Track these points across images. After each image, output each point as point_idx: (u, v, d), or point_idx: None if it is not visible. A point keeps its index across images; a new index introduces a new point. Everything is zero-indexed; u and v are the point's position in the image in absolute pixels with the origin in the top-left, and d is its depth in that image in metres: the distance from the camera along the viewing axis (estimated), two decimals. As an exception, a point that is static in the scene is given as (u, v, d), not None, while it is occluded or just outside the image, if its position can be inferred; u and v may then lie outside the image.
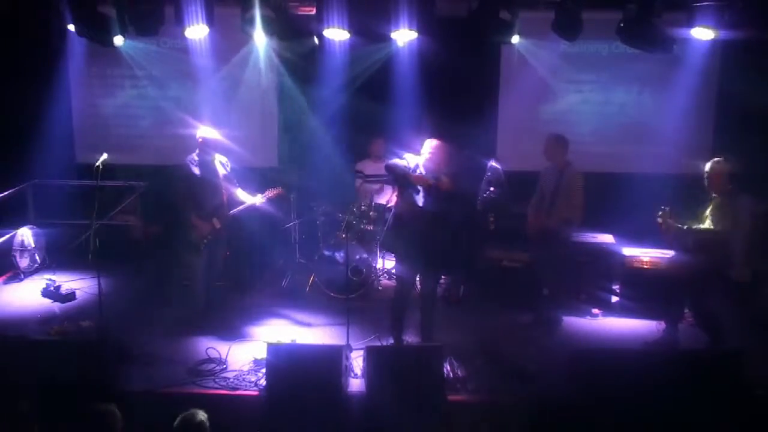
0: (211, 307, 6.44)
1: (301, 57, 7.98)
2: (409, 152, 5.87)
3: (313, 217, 7.65)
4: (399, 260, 6.05)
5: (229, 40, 7.65)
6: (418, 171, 5.73)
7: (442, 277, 7.22)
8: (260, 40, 7.15)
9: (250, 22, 6.64)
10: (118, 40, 6.79)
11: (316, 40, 7.00)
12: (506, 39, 6.92)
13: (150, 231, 8.19)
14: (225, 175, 6.44)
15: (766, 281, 7.06)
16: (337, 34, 6.66)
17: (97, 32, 6.62)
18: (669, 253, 6.76)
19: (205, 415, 3.92)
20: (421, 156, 5.75)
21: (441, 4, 7.10)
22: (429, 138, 5.81)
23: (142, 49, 8.16)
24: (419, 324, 6.01)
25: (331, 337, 6.25)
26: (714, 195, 5.76)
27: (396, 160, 5.80)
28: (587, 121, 8.27)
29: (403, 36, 6.75)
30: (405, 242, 5.83)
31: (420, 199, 5.70)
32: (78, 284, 7.33)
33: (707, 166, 5.78)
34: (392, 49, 7.62)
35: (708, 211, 5.77)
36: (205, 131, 6.34)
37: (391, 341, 5.97)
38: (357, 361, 5.54)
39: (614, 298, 6.92)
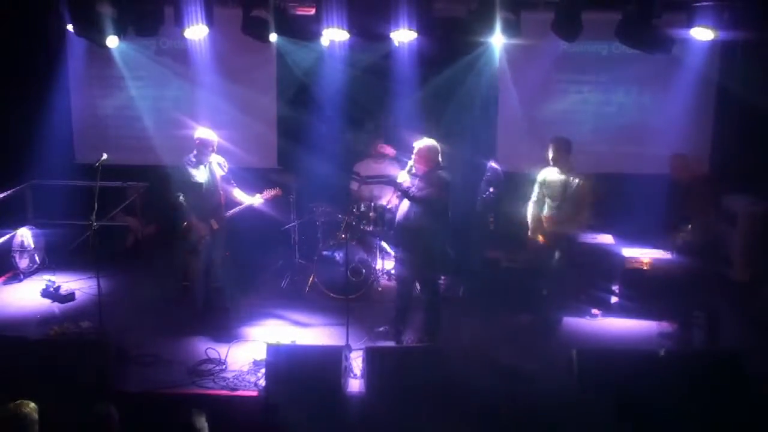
0: (210, 308, 6.44)
1: (301, 57, 7.97)
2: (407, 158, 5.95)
3: (312, 218, 7.64)
4: (395, 261, 6.28)
5: (229, 40, 7.64)
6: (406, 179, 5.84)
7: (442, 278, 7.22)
8: (268, 40, 7.12)
9: (259, 23, 6.62)
10: (113, 41, 6.76)
11: (323, 42, 7.00)
12: (505, 39, 6.91)
13: (147, 231, 8.18)
14: (222, 176, 6.43)
15: (766, 281, 7.05)
16: (336, 35, 6.65)
17: (96, 32, 6.61)
18: (668, 254, 6.77)
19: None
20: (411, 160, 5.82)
21: (440, 5, 7.10)
22: (419, 138, 5.88)
23: (141, 49, 8.15)
24: (421, 326, 6.01)
25: (330, 337, 6.25)
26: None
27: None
28: (587, 121, 8.26)
29: (403, 36, 6.74)
30: (397, 246, 6.16)
31: (399, 208, 5.88)
32: (78, 284, 7.32)
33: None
34: (392, 49, 7.62)
35: None
36: (202, 132, 6.33)
37: (392, 341, 6.01)
38: (356, 361, 5.53)
39: (614, 299, 6.92)
